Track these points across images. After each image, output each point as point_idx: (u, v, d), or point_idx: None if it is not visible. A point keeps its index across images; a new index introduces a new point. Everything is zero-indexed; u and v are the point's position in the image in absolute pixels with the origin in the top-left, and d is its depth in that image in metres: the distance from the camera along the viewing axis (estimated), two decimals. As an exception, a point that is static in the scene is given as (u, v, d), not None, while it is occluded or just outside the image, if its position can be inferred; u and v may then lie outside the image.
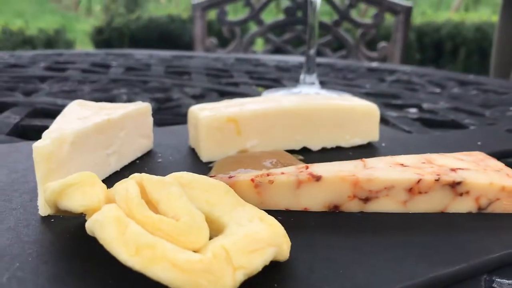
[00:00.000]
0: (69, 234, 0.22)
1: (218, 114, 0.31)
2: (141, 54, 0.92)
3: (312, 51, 0.55)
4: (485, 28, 2.79)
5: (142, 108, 0.32)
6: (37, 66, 0.75)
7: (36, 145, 0.23)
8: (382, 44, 1.48)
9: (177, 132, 0.37)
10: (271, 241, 0.19)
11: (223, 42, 1.64)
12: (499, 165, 0.27)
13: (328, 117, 0.33)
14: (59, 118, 0.28)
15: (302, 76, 0.56)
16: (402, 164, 0.26)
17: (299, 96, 0.36)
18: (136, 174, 0.21)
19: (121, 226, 0.17)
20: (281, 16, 1.56)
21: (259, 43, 2.30)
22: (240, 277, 0.17)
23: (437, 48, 2.85)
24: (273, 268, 0.19)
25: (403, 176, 0.25)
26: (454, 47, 2.80)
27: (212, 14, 1.90)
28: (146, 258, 0.16)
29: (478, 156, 0.28)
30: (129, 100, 0.52)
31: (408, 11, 1.47)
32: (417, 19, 3.08)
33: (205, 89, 0.59)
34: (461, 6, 10.83)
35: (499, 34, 0.99)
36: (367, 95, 0.58)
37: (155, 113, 0.42)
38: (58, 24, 8.38)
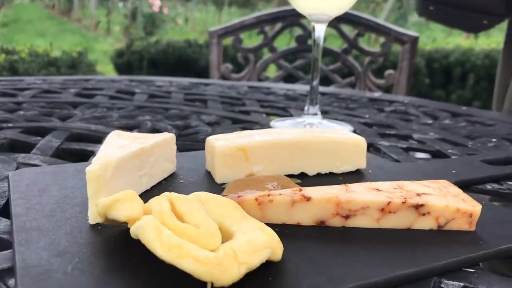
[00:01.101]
0: (114, 238, 0.28)
1: (230, 144, 0.38)
2: (161, 81, 1.00)
3: (315, 82, 0.62)
4: (493, 55, 2.84)
5: (168, 138, 0.39)
6: (68, 92, 0.83)
7: (88, 169, 0.30)
8: (389, 71, 1.55)
9: (196, 157, 0.44)
10: (267, 245, 0.25)
11: (238, 67, 1.72)
12: (458, 191, 0.33)
13: (322, 148, 0.40)
14: (103, 147, 0.35)
15: (306, 107, 0.62)
16: (377, 189, 0.32)
17: (298, 129, 0.42)
18: (166, 193, 0.28)
19: (157, 231, 0.24)
20: (293, 44, 1.64)
21: (272, 69, 2.38)
22: (243, 270, 0.23)
23: (446, 74, 2.90)
24: (268, 265, 0.25)
25: (376, 199, 0.31)
26: (463, 73, 2.85)
27: (228, 40, 1.99)
28: (176, 254, 0.23)
29: (443, 184, 0.34)
30: (153, 127, 0.59)
31: (414, 41, 1.54)
32: (428, 45, 3.14)
33: (220, 117, 0.66)
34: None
35: (502, 73, 1.04)
36: (365, 125, 0.64)
37: (176, 139, 0.49)
38: (78, 43, 8.61)
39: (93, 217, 0.30)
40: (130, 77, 1.03)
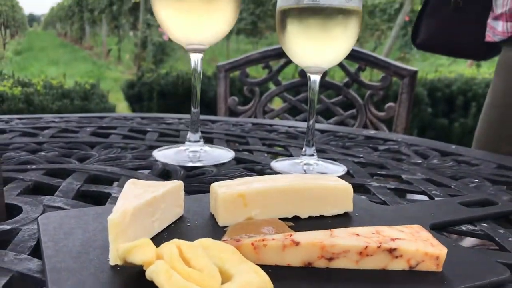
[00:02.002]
0: (132, 278, 0.33)
1: (231, 191, 0.43)
2: (171, 118, 1.06)
3: (311, 122, 0.67)
4: (496, 84, 2.89)
5: (176, 186, 0.44)
6: (84, 131, 0.89)
7: (110, 217, 0.36)
8: (389, 104, 1.61)
9: (201, 201, 0.49)
10: (260, 286, 0.30)
11: (244, 99, 1.79)
12: (428, 236, 0.38)
13: (313, 194, 0.45)
14: (121, 195, 0.40)
15: (304, 149, 0.68)
16: (357, 234, 0.37)
17: (292, 176, 0.47)
18: (175, 240, 0.33)
19: (168, 275, 0.29)
20: (297, 76, 1.71)
21: (277, 101, 2.45)
22: (239, 307, 0.28)
23: (449, 102, 2.95)
24: (260, 303, 0.30)
25: (356, 243, 0.36)
26: (466, 101, 2.90)
27: (236, 73, 2.07)
28: (183, 294, 0.28)
29: (415, 229, 0.39)
30: (163, 168, 0.65)
31: (413, 75, 1.60)
32: (430, 74, 3.20)
33: (224, 157, 0.72)
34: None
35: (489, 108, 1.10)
36: (359, 164, 0.69)
37: (184, 180, 0.54)
38: (89, 71, 8.80)
39: (113, 259, 0.35)
40: (142, 115, 1.09)
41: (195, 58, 0.63)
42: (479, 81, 2.94)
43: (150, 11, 8.15)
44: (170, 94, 2.33)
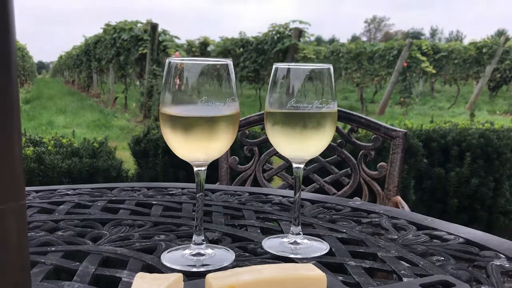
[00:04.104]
0: None
1: (223, 282, 0.52)
2: (174, 187, 1.16)
3: (297, 195, 0.76)
4: (488, 134, 3.00)
5: (177, 278, 0.53)
6: (95, 206, 0.99)
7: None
8: (381, 164, 1.70)
9: (198, 286, 0.57)
10: None
11: (245, 159, 1.89)
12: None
13: (293, 283, 0.53)
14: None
15: (291, 228, 0.77)
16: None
17: (276, 266, 0.56)
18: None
19: None
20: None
21: (276, 159, 2.56)
22: None
23: (444, 152, 3.05)
24: None
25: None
26: (460, 151, 2.99)
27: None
28: None
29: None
30: (167, 247, 0.73)
31: (403, 136, 1.70)
32: (426, 125, 3.32)
33: (222, 234, 0.80)
34: (476, 102, 11.18)
35: None
36: (341, 241, 0.77)
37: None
38: (96, 119, 9.00)
39: None
40: (147, 185, 1.19)
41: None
42: (473, 132, 3.05)
43: (155, 61, 8.47)
44: (174, 150, 2.48)
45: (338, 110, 1.89)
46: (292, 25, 9.10)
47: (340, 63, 11.58)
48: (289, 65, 0.70)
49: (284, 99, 0.69)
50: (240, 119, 1.91)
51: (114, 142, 7.20)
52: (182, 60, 0.64)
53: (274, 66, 0.72)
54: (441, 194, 3.08)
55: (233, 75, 0.65)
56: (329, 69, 0.70)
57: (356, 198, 1.74)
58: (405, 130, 1.71)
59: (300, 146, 0.70)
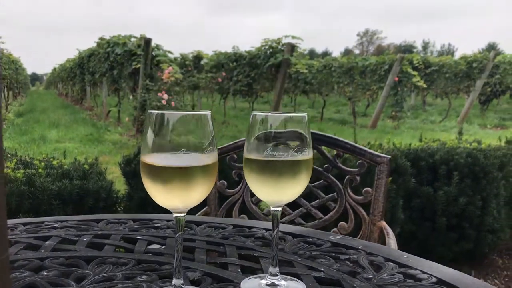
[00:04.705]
0: None
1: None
2: (159, 219, 1.18)
3: (275, 232, 0.78)
4: (475, 154, 3.04)
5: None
6: (81, 241, 1.00)
7: None
8: (366, 189, 1.73)
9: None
10: None
11: (233, 183, 1.91)
12: None
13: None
14: None
15: (269, 268, 0.79)
16: None
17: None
18: None
19: None
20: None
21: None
22: None
23: (432, 171, 3.09)
24: None
25: None
26: (448, 170, 3.03)
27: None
28: None
29: None
30: (148, 290, 0.75)
31: (388, 162, 1.73)
32: (415, 144, 3.36)
33: (203, 274, 0.83)
34: (467, 116, 11.30)
35: None
36: (318, 281, 0.80)
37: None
38: (89, 133, 8.98)
39: None
40: (133, 216, 1.21)
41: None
42: (460, 151, 3.09)
43: (149, 76, 8.51)
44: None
45: (325, 136, 1.91)
46: (284, 40, 9.21)
47: (332, 77, 11.69)
48: (266, 114, 0.73)
49: (260, 147, 0.72)
50: (229, 143, 1.94)
51: (106, 157, 7.20)
52: (163, 111, 0.67)
53: (252, 114, 0.75)
54: (429, 212, 3.12)
55: (211, 125, 0.68)
56: (304, 117, 0.73)
57: (342, 223, 1.77)
58: (389, 156, 1.75)
59: (276, 193, 0.73)
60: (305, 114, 0.73)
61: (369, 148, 3.20)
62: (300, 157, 0.71)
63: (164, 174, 0.67)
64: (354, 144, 1.79)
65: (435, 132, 9.39)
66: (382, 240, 1.66)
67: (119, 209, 2.68)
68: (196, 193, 0.67)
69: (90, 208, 2.46)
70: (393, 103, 9.90)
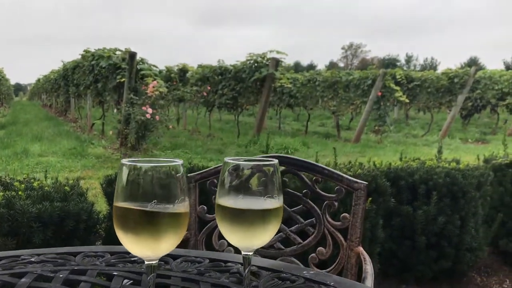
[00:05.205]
0: None
1: None
2: (137, 252, 1.19)
3: (246, 272, 0.80)
4: (453, 174, 3.11)
5: None
6: (57, 279, 1.01)
7: None
8: (343, 215, 1.76)
9: None
10: None
11: (213, 207, 1.92)
12: None
13: None
14: None
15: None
16: None
17: None
18: None
19: None
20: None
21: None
22: None
23: (412, 191, 3.14)
24: None
25: None
26: (427, 190, 3.09)
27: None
28: None
29: None
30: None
31: (365, 188, 1.77)
32: (395, 162, 3.42)
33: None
34: (449, 129, 11.50)
35: None
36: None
37: None
38: (72, 147, 8.89)
39: None
40: (112, 249, 1.22)
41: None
42: (439, 171, 3.16)
43: (133, 89, 8.49)
44: (146, 194, 2.52)
45: (304, 161, 1.94)
46: (269, 55, 9.30)
47: (317, 91, 11.81)
48: (238, 161, 0.76)
49: (232, 194, 0.74)
50: (210, 168, 1.96)
51: (89, 171, 7.14)
52: (136, 162, 0.69)
53: (224, 160, 0.77)
54: (409, 231, 3.16)
55: (183, 177, 0.70)
56: (274, 165, 0.76)
57: (320, 248, 1.79)
58: (366, 182, 1.78)
59: (246, 239, 0.75)
60: (275, 162, 0.76)
61: (350, 167, 3.25)
62: (270, 205, 0.74)
63: (134, 222, 0.68)
64: (332, 170, 1.83)
65: (418, 147, 9.52)
66: (360, 264, 1.69)
67: (100, 230, 2.67)
68: (167, 243, 0.69)
69: (70, 230, 2.44)
70: (376, 118, 10.03)
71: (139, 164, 0.69)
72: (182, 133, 12.18)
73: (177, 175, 0.69)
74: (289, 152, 8.93)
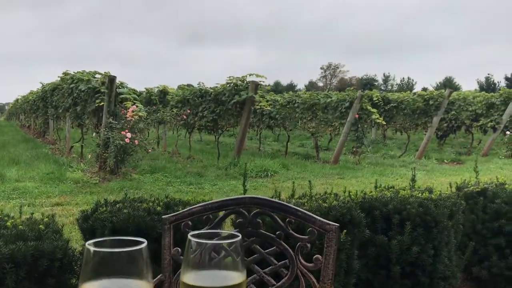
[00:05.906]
0: None
1: None
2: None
3: None
4: (426, 204, 3.19)
5: None
6: None
7: None
8: (316, 256, 1.80)
9: None
10: None
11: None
12: None
13: None
14: None
15: None
16: None
17: None
18: None
19: None
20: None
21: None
22: None
23: (386, 220, 3.21)
24: None
25: None
26: (401, 220, 3.16)
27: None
28: None
29: None
30: None
31: (336, 229, 1.81)
32: (370, 191, 3.49)
33: None
34: (426, 150, 11.74)
35: None
36: None
37: None
38: (50, 171, 8.76)
39: None
40: None
41: None
42: (412, 201, 3.23)
43: (112, 113, 8.46)
44: (121, 231, 2.49)
45: (278, 203, 1.99)
46: (249, 79, 9.40)
47: (296, 112, 11.95)
48: (201, 240, 0.79)
49: (196, 272, 0.77)
50: (184, 209, 1.98)
51: (67, 197, 7.05)
52: (98, 247, 0.72)
53: (188, 237, 0.80)
54: (384, 260, 3.22)
55: (147, 260, 0.73)
56: (237, 241, 0.79)
57: (294, 290, 1.82)
58: (338, 224, 1.83)
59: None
60: (238, 238, 0.79)
61: (326, 198, 3.30)
62: (233, 281, 0.77)
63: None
64: (305, 212, 1.87)
65: (395, 168, 9.68)
66: (333, 305, 1.72)
67: (75, 267, 2.65)
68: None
69: (45, 269, 2.42)
70: (354, 139, 10.19)
71: (101, 250, 0.72)
72: (162, 155, 12.12)
73: (140, 259, 0.72)
74: (269, 174, 8.97)
